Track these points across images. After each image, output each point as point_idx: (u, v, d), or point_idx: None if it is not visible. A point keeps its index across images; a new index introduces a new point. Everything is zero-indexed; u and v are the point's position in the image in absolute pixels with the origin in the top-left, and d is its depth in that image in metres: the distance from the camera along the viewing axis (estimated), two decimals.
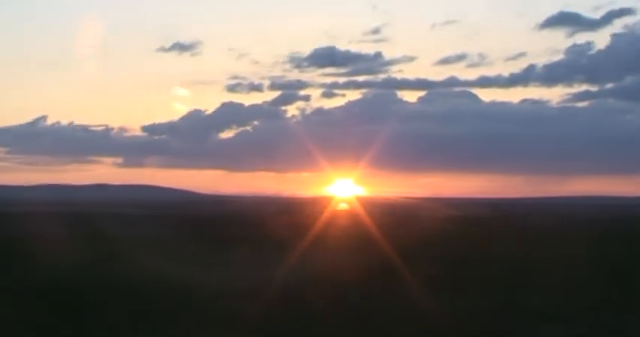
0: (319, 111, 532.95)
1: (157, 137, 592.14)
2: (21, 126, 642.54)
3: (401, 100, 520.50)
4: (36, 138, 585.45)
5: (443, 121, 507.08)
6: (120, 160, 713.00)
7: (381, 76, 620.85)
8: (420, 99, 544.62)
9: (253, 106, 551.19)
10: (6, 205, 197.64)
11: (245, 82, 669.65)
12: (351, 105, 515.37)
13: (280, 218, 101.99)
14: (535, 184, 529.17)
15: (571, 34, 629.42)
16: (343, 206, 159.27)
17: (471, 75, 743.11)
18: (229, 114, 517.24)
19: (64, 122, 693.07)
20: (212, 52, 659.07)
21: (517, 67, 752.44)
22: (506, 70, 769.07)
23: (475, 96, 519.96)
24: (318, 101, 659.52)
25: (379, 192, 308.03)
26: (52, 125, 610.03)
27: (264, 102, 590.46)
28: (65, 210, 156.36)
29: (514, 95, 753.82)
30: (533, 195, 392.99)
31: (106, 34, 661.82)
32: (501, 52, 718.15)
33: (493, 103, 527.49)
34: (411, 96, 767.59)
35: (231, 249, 55.60)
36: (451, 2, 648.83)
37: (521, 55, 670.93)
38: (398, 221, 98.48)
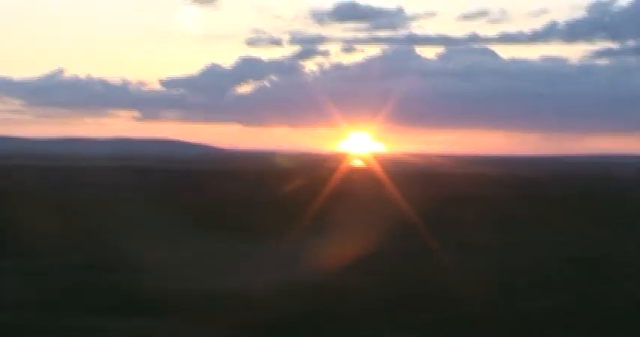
0: (338, 67, 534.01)
1: (174, 91, 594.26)
2: (38, 78, 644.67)
3: (420, 56, 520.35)
4: (53, 91, 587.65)
5: (461, 78, 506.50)
6: (137, 114, 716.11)
7: (402, 32, 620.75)
8: (439, 55, 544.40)
9: (271, 61, 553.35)
10: (27, 158, 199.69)
11: (265, 36, 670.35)
12: (369, 60, 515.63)
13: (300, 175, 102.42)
14: (552, 141, 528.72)
15: None
16: (358, 162, 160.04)
17: (492, 31, 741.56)
18: (247, 68, 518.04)
19: (82, 75, 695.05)
20: (233, 6, 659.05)
21: (539, 23, 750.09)
22: (527, 26, 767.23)
23: (494, 53, 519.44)
24: (337, 56, 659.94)
25: (395, 148, 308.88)
26: (70, 78, 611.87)
27: (283, 57, 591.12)
28: (85, 164, 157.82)
29: (535, 52, 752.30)
30: (551, 153, 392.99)
31: None
32: (523, 8, 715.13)
33: (512, 60, 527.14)
34: (430, 53, 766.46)
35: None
36: None
37: (544, 11, 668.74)
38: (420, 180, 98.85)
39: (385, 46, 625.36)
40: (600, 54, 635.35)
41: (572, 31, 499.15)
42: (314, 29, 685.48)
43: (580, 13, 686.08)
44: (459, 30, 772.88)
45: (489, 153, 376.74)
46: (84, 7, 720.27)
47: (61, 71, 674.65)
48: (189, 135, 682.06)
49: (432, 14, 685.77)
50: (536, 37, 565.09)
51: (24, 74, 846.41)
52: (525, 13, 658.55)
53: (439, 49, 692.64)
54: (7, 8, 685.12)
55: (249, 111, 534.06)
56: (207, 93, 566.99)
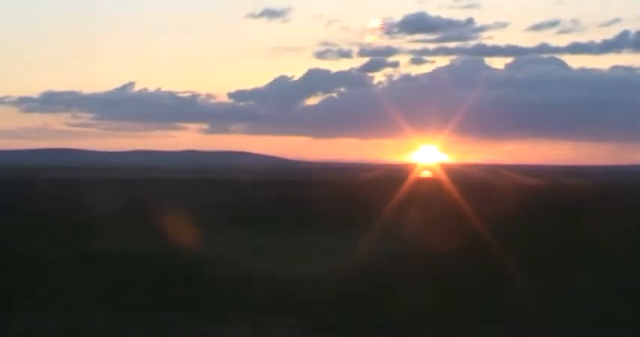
0: (406, 78, 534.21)
1: (242, 103, 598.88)
2: (108, 92, 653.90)
3: (489, 67, 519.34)
4: (123, 105, 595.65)
5: (530, 88, 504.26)
6: (205, 126, 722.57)
7: (472, 43, 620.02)
8: (508, 65, 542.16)
9: (340, 73, 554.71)
10: (106, 171, 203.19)
11: (334, 49, 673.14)
12: (438, 71, 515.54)
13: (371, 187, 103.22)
14: (622, 152, 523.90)
15: None
16: (426, 173, 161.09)
17: (563, 41, 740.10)
18: (315, 80, 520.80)
19: (152, 88, 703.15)
20: (302, 19, 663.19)
21: (610, 33, 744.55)
22: (599, 36, 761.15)
23: (563, 63, 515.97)
24: (406, 67, 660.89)
25: (463, 159, 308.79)
26: (140, 91, 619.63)
27: (352, 69, 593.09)
28: (159, 176, 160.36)
29: (605, 62, 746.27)
30: (621, 163, 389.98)
31: (196, 0, 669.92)
32: (595, 17, 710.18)
33: (582, 70, 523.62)
34: (499, 63, 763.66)
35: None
36: None
37: (616, 20, 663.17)
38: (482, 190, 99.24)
39: (454, 57, 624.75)
40: None
41: None
42: (383, 41, 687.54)
43: None
44: (529, 40, 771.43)
45: (559, 164, 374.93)
46: (153, 22, 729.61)
47: (131, 85, 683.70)
48: (258, 148, 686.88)
49: (502, 25, 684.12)
50: (607, 47, 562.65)
51: (94, 88, 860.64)
52: (597, 23, 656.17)
53: (508, 60, 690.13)
54: (78, 24, 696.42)
55: (318, 123, 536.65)
56: (275, 105, 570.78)
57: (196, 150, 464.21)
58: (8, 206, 63.74)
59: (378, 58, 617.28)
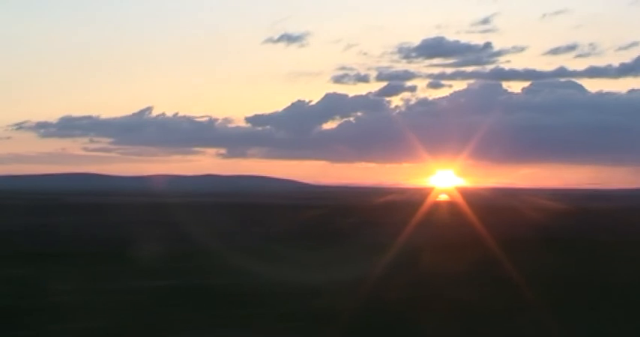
0: (423, 102, 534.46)
1: (260, 128, 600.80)
2: (126, 117, 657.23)
3: (506, 91, 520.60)
4: (141, 129, 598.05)
5: (547, 112, 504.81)
6: (223, 151, 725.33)
7: (489, 67, 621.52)
8: (525, 89, 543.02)
9: (357, 97, 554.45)
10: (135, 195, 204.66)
11: (352, 73, 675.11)
12: (455, 95, 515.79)
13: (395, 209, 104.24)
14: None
15: None
16: (443, 196, 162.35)
17: (581, 65, 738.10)
18: (333, 105, 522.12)
19: (169, 113, 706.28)
20: (320, 43, 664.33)
21: (628, 56, 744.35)
22: (617, 60, 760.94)
23: (581, 87, 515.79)
24: (423, 92, 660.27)
25: (480, 183, 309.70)
26: (157, 116, 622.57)
27: (369, 93, 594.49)
28: (183, 201, 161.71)
29: (624, 85, 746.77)
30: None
31: (214, 25, 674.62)
32: (613, 41, 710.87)
33: (599, 94, 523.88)
34: (516, 87, 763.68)
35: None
36: None
37: (634, 44, 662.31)
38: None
39: (471, 81, 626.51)
40: None
41: None
42: (401, 65, 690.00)
43: None
44: (546, 64, 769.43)
45: (577, 187, 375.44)
46: (171, 47, 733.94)
47: (148, 110, 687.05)
48: (275, 172, 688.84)
49: (520, 49, 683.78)
50: (625, 71, 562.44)
51: (112, 113, 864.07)
52: (614, 47, 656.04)
53: (526, 84, 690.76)
54: (95, 49, 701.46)
55: (334, 147, 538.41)
56: (292, 129, 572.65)
57: (216, 175, 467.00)
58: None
59: (396, 82, 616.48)
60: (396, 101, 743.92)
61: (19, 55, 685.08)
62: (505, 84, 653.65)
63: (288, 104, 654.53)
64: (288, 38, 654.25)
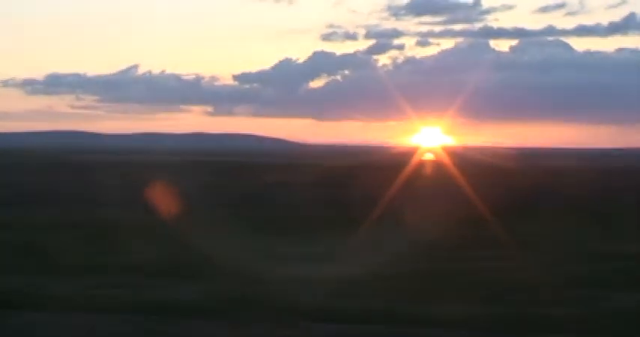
0: (411, 61, 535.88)
1: (247, 86, 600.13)
2: (113, 75, 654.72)
3: (493, 50, 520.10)
4: (127, 87, 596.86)
5: (534, 71, 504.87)
6: (210, 109, 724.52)
7: (478, 25, 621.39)
8: (513, 48, 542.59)
9: (345, 55, 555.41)
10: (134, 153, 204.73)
11: (340, 31, 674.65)
12: (442, 54, 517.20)
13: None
14: (627, 135, 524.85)
15: None
16: (429, 156, 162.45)
17: (570, 24, 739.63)
18: (320, 63, 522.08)
19: (156, 71, 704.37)
20: (309, 1, 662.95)
21: (618, 15, 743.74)
22: (605, 18, 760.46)
23: (568, 46, 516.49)
24: (411, 50, 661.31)
25: (468, 141, 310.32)
26: (144, 74, 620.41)
27: (357, 51, 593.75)
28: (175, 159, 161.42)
29: (612, 44, 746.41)
30: (626, 146, 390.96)
31: None
32: (602, 0, 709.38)
33: (587, 53, 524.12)
34: (504, 46, 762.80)
35: None
36: None
37: (623, 2, 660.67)
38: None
39: (460, 40, 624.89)
40: None
41: None
42: (389, 23, 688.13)
43: None
44: (535, 23, 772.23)
45: (563, 146, 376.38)
46: (158, 4, 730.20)
47: (135, 67, 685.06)
48: (262, 130, 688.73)
49: (509, 7, 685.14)
50: (613, 29, 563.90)
51: (99, 71, 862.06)
52: (604, 5, 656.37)
53: (514, 42, 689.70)
54: (82, 7, 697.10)
55: (321, 106, 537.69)
56: (280, 87, 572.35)
57: (202, 133, 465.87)
58: None
59: (384, 40, 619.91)
60: (383, 59, 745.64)
61: (5, 13, 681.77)
62: (493, 43, 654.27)
63: (276, 62, 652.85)
64: None
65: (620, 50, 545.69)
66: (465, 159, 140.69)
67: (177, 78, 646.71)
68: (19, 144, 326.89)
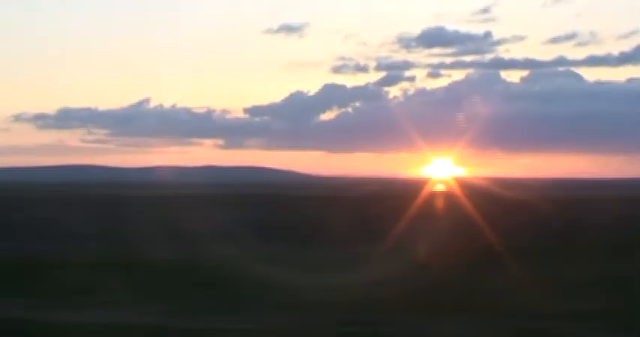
0: (422, 92, 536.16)
1: (258, 118, 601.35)
2: (124, 108, 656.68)
3: (504, 80, 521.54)
4: (138, 121, 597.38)
5: (544, 101, 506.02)
6: (221, 142, 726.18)
7: (489, 56, 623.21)
8: (523, 79, 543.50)
9: (355, 87, 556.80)
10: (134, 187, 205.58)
11: (351, 63, 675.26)
12: (453, 85, 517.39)
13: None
14: (637, 164, 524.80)
15: None
16: (440, 186, 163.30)
17: (580, 54, 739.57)
18: (331, 95, 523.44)
19: (167, 104, 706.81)
20: (319, 34, 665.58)
21: (628, 45, 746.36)
22: (616, 48, 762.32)
23: (579, 76, 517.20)
24: (422, 81, 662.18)
25: (478, 172, 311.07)
26: (155, 107, 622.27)
27: (368, 83, 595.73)
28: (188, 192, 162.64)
29: (623, 74, 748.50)
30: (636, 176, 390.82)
31: (213, 15, 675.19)
32: (613, 30, 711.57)
33: (597, 83, 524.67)
34: (515, 77, 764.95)
35: None
36: None
37: (634, 32, 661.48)
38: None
39: (470, 71, 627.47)
40: None
41: None
42: (400, 55, 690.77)
43: None
44: (546, 53, 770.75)
45: (574, 177, 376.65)
46: (169, 38, 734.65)
47: (146, 101, 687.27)
48: (273, 162, 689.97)
49: (519, 38, 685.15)
50: (624, 59, 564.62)
51: (110, 105, 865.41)
52: (615, 35, 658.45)
53: (524, 73, 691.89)
54: (93, 41, 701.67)
55: (332, 138, 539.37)
56: (290, 120, 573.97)
57: (214, 166, 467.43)
58: None
59: (395, 72, 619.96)
60: (394, 91, 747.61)
61: (17, 47, 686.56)
62: (504, 74, 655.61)
63: (287, 95, 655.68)
64: (288, 28, 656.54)
65: (631, 80, 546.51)
66: (483, 191, 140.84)
67: (188, 111, 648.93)
68: (30, 178, 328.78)
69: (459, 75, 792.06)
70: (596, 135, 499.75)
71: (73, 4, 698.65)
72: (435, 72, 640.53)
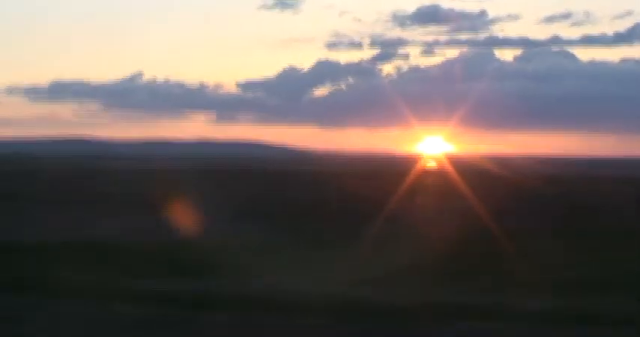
0: (415, 70, 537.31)
1: (251, 93, 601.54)
2: (117, 82, 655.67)
3: (498, 59, 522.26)
4: (131, 94, 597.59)
5: (538, 80, 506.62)
6: (213, 116, 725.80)
7: (483, 35, 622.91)
8: (517, 57, 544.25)
9: (349, 64, 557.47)
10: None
11: (345, 40, 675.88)
12: (446, 63, 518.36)
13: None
14: (628, 144, 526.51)
15: None
16: (431, 164, 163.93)
17: (575, 34, 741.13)
18: (324, 71, 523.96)
19: (160, 78, 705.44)
20: (314, 10, 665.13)
21: (623, 26, 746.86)
22: (611, 28, 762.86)
23: (573, 56, 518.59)
24: (416, 59, 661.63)
25: (468, 149, 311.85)
26: (148, 81, 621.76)
27: (362, 60, 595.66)
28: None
29: (617, 54, 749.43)
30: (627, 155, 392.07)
31: None
32: (608, 10, 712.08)
33: (591, 62, 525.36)
34: (508, 55, 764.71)
35: None
36: None
37: (628, 13, 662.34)
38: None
39: (464, 49, 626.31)
40: None
41: None
42: (395, 32, 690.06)
43: None
44: (541, 32, 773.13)
45: (566, 155, 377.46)
46: (163, 11, 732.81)
47: (139, 75, 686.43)
48: (266, 137, 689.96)
49: (514, 17, 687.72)
50: (618, 40, 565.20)
51: (103, 78, 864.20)
52: (610, 16, 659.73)
53: (518, 52, 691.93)
54: (86, 13, 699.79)
55: (325, 113, 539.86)
56: (283, 95, 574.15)
57: (206, 140, 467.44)
58: None
59: (389, 49, 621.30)
60: (388, 68, 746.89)
61: (9, 20, 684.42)
62: (498, 53, 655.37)
63: (280, 70, 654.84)
64: (283, 4, 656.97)
65: (624, 60, 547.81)
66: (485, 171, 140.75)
67: (181, 85, 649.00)
68: (23, 150, 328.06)
69: (453, 53, 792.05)
70: (588, 115, 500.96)
71: None
72: (429, 49, 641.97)
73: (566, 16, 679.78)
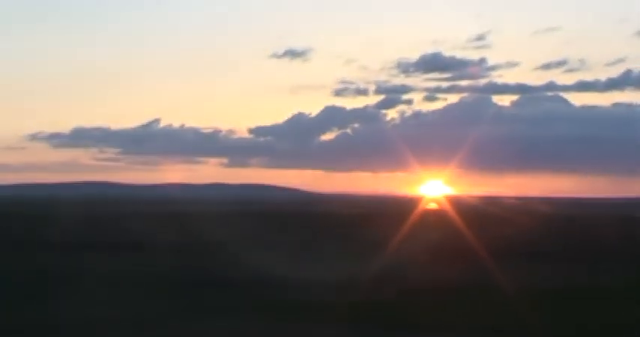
0: (417, 115, 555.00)
1: (261, 138, 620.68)
2: (135, 128, 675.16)
3: (496, 104, 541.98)
4: (148, 140, 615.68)
5: (533, 124, 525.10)
6: (225, 160, 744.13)
7: (483, 81, 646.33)
8: (513, 103, 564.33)
9: (355, 109, 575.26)
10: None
11: (352, 87, 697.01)
12: (447, 108, 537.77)
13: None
14: (621, 185, 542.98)
15: None
16: (432, 205, 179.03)
17: (570, 80, 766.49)
18: (331, 117, 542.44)
19: (176, 125, 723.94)
20: (322, 58, 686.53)
21: (615, 72, 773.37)
22: (604, 74, 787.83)
23: (566, 101, 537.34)
24: (419, 105, 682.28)
25: (468, 191, 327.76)
26: (164, 127, 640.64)
27: (367, 106, 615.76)
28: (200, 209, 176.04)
29: (609, 99, 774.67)
30: (620, 196, 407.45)
31: (222, 40, 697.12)
32: (602, 57, 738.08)
33: (584, 107, 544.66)
34: (506, 101, 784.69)
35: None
36: (553, 9, 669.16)
37: (620, 60, 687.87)
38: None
39: (465, 95, 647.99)
40: None
41: None
42: (399, 79, 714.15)
43: None
44: (537, 78, 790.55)
45: (561, 196, 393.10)
46: (180, 61, 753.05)
47: (156, 121, 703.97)
48: (276, 180, 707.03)
49: (513, 64, 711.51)
50: (611, 85, 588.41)
51: (122, 124, 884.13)
52: (603, 62, 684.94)
53: (515, 97, 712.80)
54: (106, 63, 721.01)
55: (332, 157, 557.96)
56: (292, 140, 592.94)
57: (219, 183, 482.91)
58: None
59: (393, 95, 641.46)
60: (392, 113, 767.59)
61: (33, 69, 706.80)
62: (496, 98, 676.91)
63: (290, 116, 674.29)
64: (293, 53, 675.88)
65: (616, 104, 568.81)
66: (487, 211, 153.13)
67: (195, 131, 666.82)
68: (45, 194, 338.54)
69: (454, 99, 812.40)
70: (582, 157, 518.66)
71: (86, 27, 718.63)
72: (431, 95, 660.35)
73: (562, 63, 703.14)
